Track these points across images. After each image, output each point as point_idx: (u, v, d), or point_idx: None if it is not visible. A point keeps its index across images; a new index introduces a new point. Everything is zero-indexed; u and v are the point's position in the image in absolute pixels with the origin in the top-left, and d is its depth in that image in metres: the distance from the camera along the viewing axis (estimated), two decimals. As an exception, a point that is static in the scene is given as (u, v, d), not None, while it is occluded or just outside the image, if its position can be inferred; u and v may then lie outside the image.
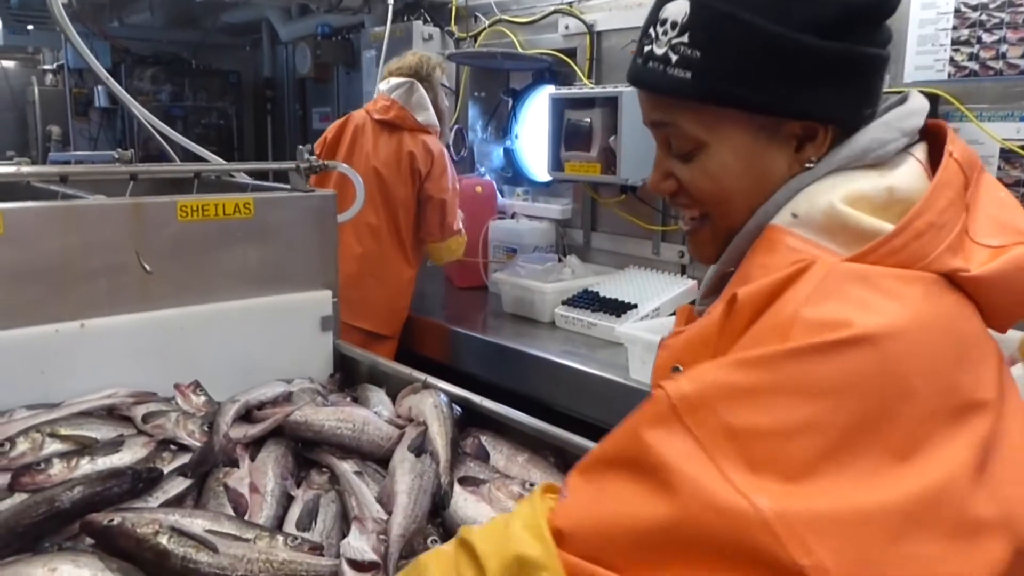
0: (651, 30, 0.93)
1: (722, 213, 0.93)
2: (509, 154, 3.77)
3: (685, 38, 0.89)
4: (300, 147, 2.03)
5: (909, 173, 0.87)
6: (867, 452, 0.71)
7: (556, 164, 3.18)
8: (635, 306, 2.85)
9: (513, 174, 3.79)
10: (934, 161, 0.88)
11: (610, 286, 3.04)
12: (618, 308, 2.86)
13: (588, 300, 2.97)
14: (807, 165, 0.90)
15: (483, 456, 1.56)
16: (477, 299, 3.48)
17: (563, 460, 1.53)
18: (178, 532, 1.22)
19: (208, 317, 1.83)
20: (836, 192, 0.86)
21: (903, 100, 0.92)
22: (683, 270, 3.13)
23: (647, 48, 0.93)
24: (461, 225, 3.12)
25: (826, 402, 0.73)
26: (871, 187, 0.86)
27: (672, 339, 0.93)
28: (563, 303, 3.00)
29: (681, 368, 0.86)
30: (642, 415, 0.79)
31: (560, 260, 3.32)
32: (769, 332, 0.78)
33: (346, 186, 2.28)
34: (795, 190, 0.89)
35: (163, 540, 1.20)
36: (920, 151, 0.90)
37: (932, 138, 0.91)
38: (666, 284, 3.02)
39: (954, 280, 0.80)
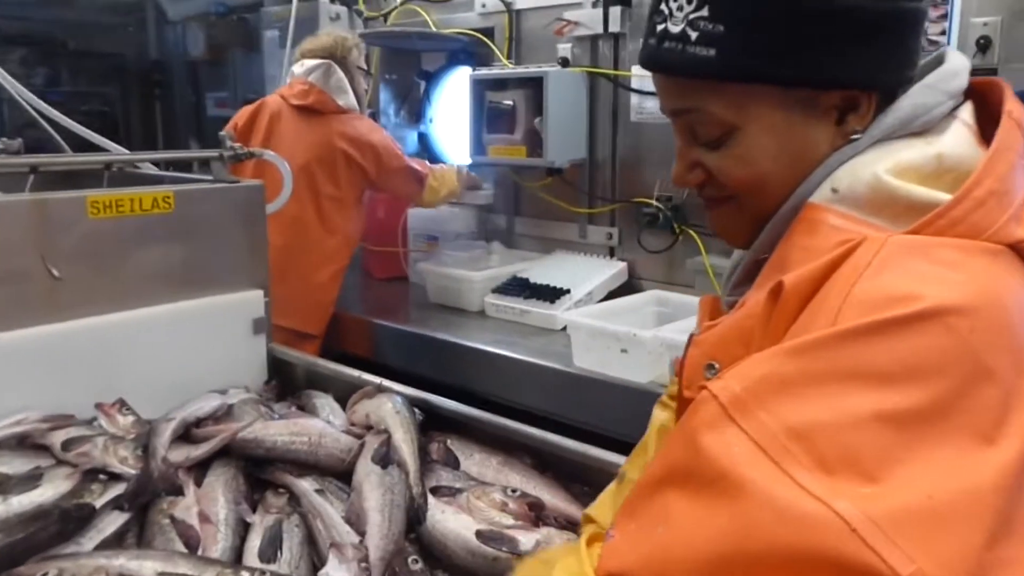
0: (663, 6, 0.83)
1: (756, 198, 0.85)
2: (424, 139, 3.63)
3: (705, 11, 0.80)
4: (222, 134, 1.85)
5: (957, 138, 0.80)
6: (949, 438, 0.64)
7: (478, 148, 3.07)
8: (567, 291, 2.78)
9: (429, 159, 3.64)
10: (982, 124, 0.82)
11: (539, 272, 2.97)
12: (550, 294, 2.79)
13: (518, 287, 2.88)
14: (852, 137, 0.82)
15: (452, 462, 1.46)
16: (399, 290, 3.34)
17: (540, 461, 1.44)
18: (128, 579, 1.06)
19: (127, 326, 1.64)
20: (881, 164, 0.79)
21: (941, 60, 0.85)
22: (612, 252, 3.08)
23: (661, 27, 0.84)
24: (423, 171, 3.01)
25: (897, 386, 0.65)
26: (918, 156, 0.79)
27: (704, 335, 0.83)
28: (492, 291, 2.90)
29: (717, 366, 0.78)
30: (689, 424, 0.70)
31: (485, 247, 3.22)
32: (820, 316, 0.70)
33: (264, 176, 2.10)
34: (834, 166, 0.81)
35: (113, 590, 1.04)
36: (966, 113, 0.82)
37: (978, 99, 0.85)
38: (596, 268, 2.97)
39: (1019, 251, 0.75)
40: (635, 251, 2.99)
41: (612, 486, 1.10)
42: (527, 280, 2.91)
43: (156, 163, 2.13)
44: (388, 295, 3.32)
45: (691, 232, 2.74)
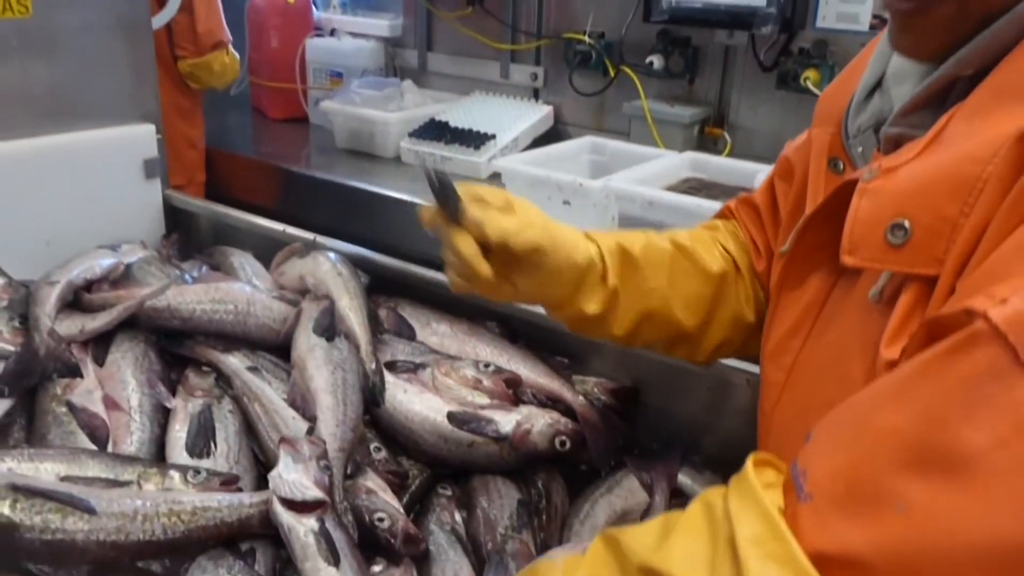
0: None
1: None
2: (318, -44, 3.16)
3: None
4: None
5: None
6: None
7: (389, -31, 2.69)
8: (493, 136, 2.53)
9: (324, -19, 3.21)
10: None
11: (457, 114, 2.69)
12: (473, 139, 2.53)
13: (437, 131, 2.60)
14: None
15: (406, 333, 1.25)
16: (298, 133, 2.98)
17: (509, 329, 1.26)
18: (23, 492, 0.82)
19: (-18, 165, 1.31)
20: None
21: None
22: (536, 95, 2.83)
23: None
24: (227, 37, 2.43)
25: None
26: None
27: (884, 181, 0.61)
28: (409, 135, 2.61)
29: (909, 226, 0.57)
30: (945, 370, 0.49)
31: (397, 84, 2.89)
32: None
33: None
34: None
35: (3, 508, 0.80)
36: None
37: None
38: (520, 111, 2.72)
39: None
40: (562, 93, 2.74)
41: None
42: (447, 123, 2.63)
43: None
44: (286, 137, 2.96)
45: (628, 72, 2.51)
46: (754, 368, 1.06)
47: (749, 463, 0.61)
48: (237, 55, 2.49)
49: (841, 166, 0.77)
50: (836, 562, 0.50)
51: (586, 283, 0.87)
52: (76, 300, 1.17)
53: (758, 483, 0.57)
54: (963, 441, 0.46)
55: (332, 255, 1.29)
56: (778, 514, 0.54)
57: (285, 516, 0.89)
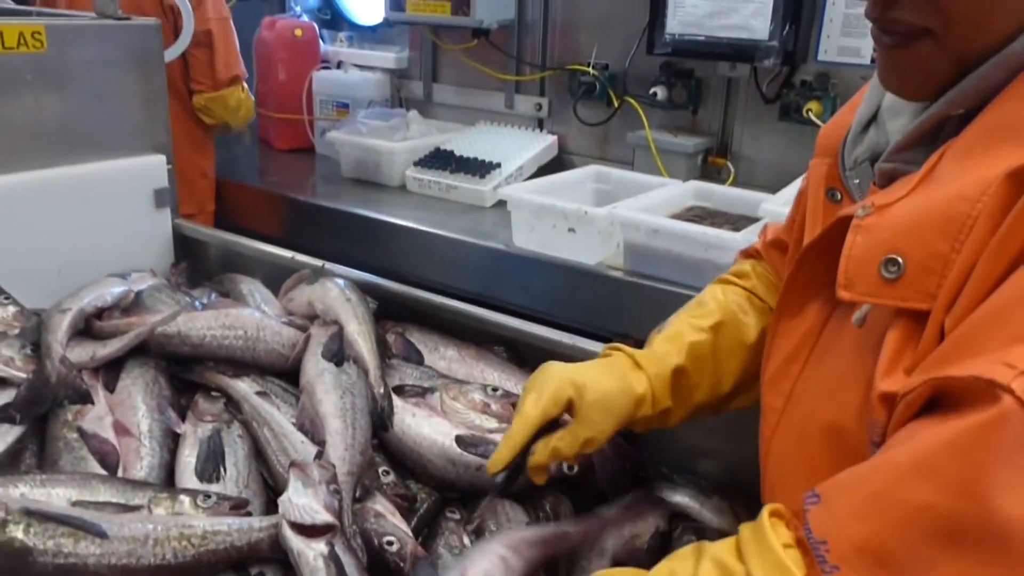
0: None
1: (964, 29, 0.61)
2: (327, -9, 3.22)
3: None
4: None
5: None
6: None
7: (396, 3, 2.73)
8: (498, 165, 2.56)
9: (332, 16, 3.25)
10: None
11: (463, 144, 2.72)
12: (478, 168, 2.56)
13: (442, 160, 2.63)
14: None
15: (415, 357, 1.26)
16: (304, 163, 3.01)
17: (516, 353, 1.27)
18: (36, 516, 0.82)
19: (-3, 196, 1.33)
20: None
21: None
22: (540, 125, 2.86)
23: None
24: (243, 72, 2.46)
25: None
26: None
27: (879, 217, 0.62)
28: (415, 164, 2.64)
29: (902, 262, 0.59)
30: (969, 449, 0.50)
31: (403, 115, 2.92)
32: None
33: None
34: None
35: (16, 532, 0.81)
36: None
37: None
38: (525, 141, 2.74)
39: None
40: (566, 123, 2.77)
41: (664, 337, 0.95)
42: (452, 152, 2.66)
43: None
44: (292, 167, 2.99)
45: (632, 102, 2.54)
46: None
47: (765, 517, 0.61)
48: (250, 96, 2.52)
49: (839, 196, 0.78)
50: None
51: (639, 413, 0.92)
52: (87, 328, 1.19)
53: (778, 544, 0.57)
54: (999, 515, 0.47)
55: (341, 281, 1.31)
56: (787, 560, 0.54)
57: (295, 540, 0.89)
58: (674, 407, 0.94)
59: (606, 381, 0.89)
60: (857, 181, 0.76)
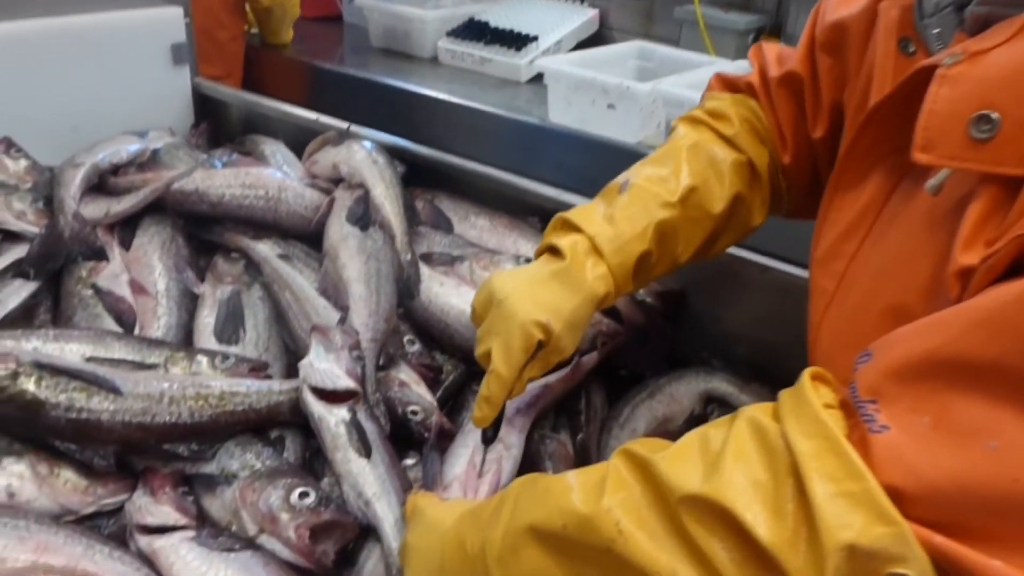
0: None
1: None
2: None
3: None
4: None
5: None
6: None
7: None
8: (535, 38, 2.42)
9: None
10: None
11: (498, 15, 2.57)
12: (514, 41, 2.43)
13: (476, 31, 2.50)
14: None
15: (443, 225, 1.20)
16: (332, 31, 2.88)
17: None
18: (47, 369, 0.79)
19: (7, 45, 1.25)
20: None
21: None
22: (581, -5, 2.70)
23: None
24: None
25: None
26: None
27: (967, 66, 0.53)
28: (447, 35, 2.51)
29: (997, 117, 0.49)
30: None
31: (434, -18, 2.76)
32: None
33: None
34: None
35: (28, 384, 0.77)
36: None
37: None
38: (564, 14, 2.59)
39: None
40: (607, -4, 2.61)
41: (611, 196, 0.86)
42: (487, 23, 2.52)
43: None
44: (320, 35, 2.85)
45: (680, -27, 2.37)
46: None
47: (806, 378, 0.54)
48: None
49: (912, 48, 0.67)
50: (913, 500, 0.45)
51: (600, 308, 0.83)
52: (102, 184, 1.13)
53: (819, 404, 0.51)
54: None
55: (367, 143, 1.23)
56: (850, 447, 0.48)
57: (315, 405, 0.85)
58: (633, 287, 0.85)
59: (569, 300, 0.79)
60: (937, 30, 0.65)
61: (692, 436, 0.57)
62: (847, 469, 0.47)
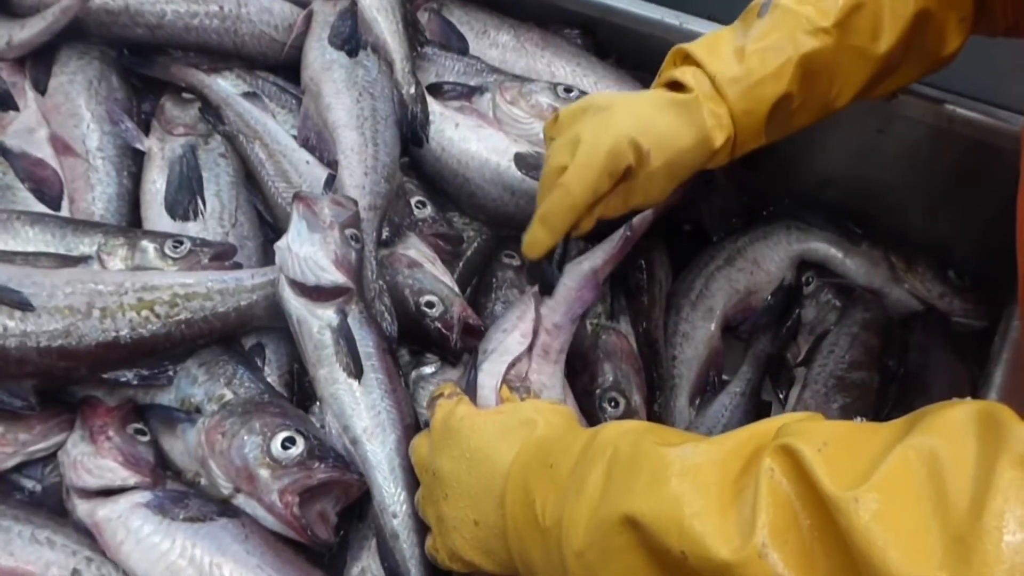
0: None
1: None
2: None
3: None
4: None
5: None
6: None
7: None
8: None
9: None
10: None
11: None
12: None
13: None
14: None
15: (456, 44, 0.93)
16: None
17: (595, 40, 0.93)
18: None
19: None
20: None
21: None
22: None
23: None
24: None
25: None
26: None
27: None
28: None
29: None
30: None
31: None
32: None
33: None
34: None
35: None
36: None
37: None
38: None
39: None
40: None
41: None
42: None
43: None
44: None
45: None
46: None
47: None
48: None
49: None
50: None
51: (708, 166, 0.70)
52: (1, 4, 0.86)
53: None
54: None
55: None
56: None
57: (294, 303, 0.65)
58: (764, 140, 0.70)
59: (681, 136, 0.65)
60: None
61: (903, 455, 0.36)
62: None
